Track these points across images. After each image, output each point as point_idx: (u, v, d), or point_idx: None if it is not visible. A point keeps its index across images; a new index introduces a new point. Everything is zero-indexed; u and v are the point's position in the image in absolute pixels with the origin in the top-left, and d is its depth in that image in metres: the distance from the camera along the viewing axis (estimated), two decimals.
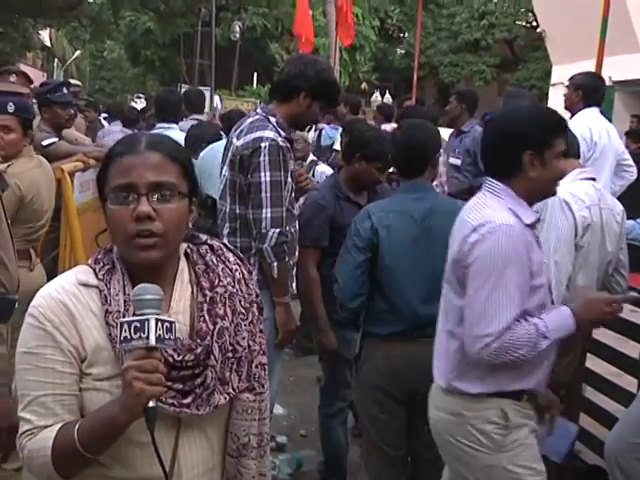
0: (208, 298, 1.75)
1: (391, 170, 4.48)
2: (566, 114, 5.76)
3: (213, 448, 1.80)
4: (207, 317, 1.73)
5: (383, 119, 9.10)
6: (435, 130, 3.72)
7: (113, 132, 8.62)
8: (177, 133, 5.76)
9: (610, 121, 5.76)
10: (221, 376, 1.72)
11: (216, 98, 23.25)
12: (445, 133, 6.36)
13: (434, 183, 4.42)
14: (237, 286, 1.81)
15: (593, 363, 4.13)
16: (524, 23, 26.66)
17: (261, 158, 3.43)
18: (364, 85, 32.58)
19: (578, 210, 3.45)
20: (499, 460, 2.63)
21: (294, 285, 3.78)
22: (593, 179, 3.70)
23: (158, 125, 6.23)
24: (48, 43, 41.12)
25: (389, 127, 7.78)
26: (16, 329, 3.28)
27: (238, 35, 30.12)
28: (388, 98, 26.75)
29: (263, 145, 3.43)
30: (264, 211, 3.44)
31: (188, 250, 1.81)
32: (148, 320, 1.54)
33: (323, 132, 9.39)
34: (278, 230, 3.46)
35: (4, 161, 3.88)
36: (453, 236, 2.69)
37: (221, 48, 29.84)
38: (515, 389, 2.63)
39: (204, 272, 1.79)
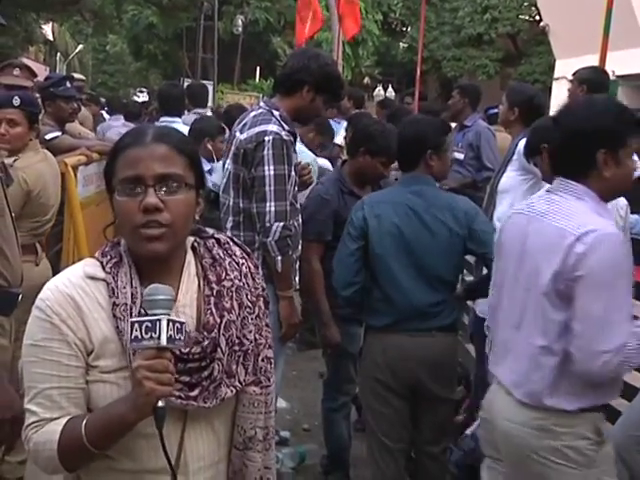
0: (215, 291, 1.76)
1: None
2: None
3: (219, 441, 1.80)
4: (214, 310, 1.73)
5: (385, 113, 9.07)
6: (433, 124, 3.64)
7: (114, 126, 8.61)
8: (181, 127, 5.75)
9: None
10: (228, 369, 1.72)
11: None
12: None
13: None
14: (244, 280, 1.81)
15: None
16: (527, 17, 26.61)
17: (265, 152, 3.43)
18: (367, 79, 32.54)
19: None
20: (587, 476, 2.52)
21: (297, 279, 3.78)
22: None
23: (162, 119, 6.23)
24: (51, 37, 41.12)
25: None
26: (22, 323, 3.30)
27: (241, 29, 30.06)
28: (391, 92, 26.75)
29: (267, 139, 3.43)
30: (268, 205, 3.44)
31: (195, 244, 1.81)
32: (160, 320, 1.55)
33: None
34: (282, 224, 3.46)
35: (10, 155, 3.88)
36: (544, 245, 2.49)
37: (223, 42, 29.81)
38: (605, 402, 2.57)
39: (211, 265, 1.79)
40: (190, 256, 1.80)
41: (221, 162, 5.11)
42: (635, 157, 6.00)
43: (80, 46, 44.49)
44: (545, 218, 2.53)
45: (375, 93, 27.16)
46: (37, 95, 5.67)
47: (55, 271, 4.10)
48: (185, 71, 32.16)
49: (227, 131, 5.17)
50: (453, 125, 7.01)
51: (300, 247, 3.77)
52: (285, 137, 3.48)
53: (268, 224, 3.46)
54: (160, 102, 6.79)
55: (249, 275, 1.84)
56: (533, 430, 2.52)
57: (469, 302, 4.50)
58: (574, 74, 5.64)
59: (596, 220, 2.43)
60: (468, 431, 3.14)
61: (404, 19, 31.85)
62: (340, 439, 4.36)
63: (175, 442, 1.71)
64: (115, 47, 44.65)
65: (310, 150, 5.42)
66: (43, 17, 29.41)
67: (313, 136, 5.35)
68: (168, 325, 1.55)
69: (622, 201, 3.66)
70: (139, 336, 1.55)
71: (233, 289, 1.78)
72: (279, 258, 3.49)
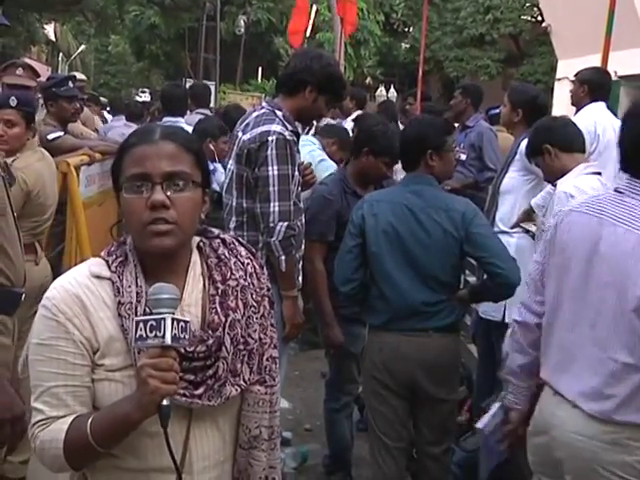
0: (220, 291, 1.77)
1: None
2: (573, 109, 5.76)
3: (224, 440, 1.81)
4: (219, 309, 1.74)
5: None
6: (434, 124, 3.63)
7: (116, 126, 8.61)
8: (184, 127, 5.76)
9: (616, 116, 5.74)
10: (232, 368, 1.73)
11: None
12: None
13: None
14: (249, 279, 1.82)
15: None
16: (529, 18, 26.55)
17: (268, 152, 3.43)
18: (369, 80, 32.51)
19: None
20: None
21: (300, 279, 3.79)
22: (599, 173, 3.70)
23: (164, 119, 6.25)
24: (53, 37, 41.11)
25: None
26: (23, 322, 3.31)
27: (243, 29, 30.06)
28: (393, 93, 26.73)
29: (270, 139, 3.44)
30: (272, 205, 3.45)
31: (201, 243, 1.83)
32: (164, 319, 1.56)
33: None
34: (286, 224, 3.46)
35: (8, 155, 3.88)
36: (626, 256, 2.34)
37: (226, 42, 29.82)
38: None
39: (216, 265, 1.80)
40: (196, 256, 1.81)
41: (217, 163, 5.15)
42: None
43: (82, 46, 44.47)
44: (621, 223, 2.38)
45: (377, 93, 27.13)
46: (39, 95, 5.69)
47: (57, 271, 4.11)
48: (187, 71, 32.16)
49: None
50: (455, 125, 7.03)
51: (303, 247, 3.77)
52: (288, 137, 3.49)
53: (272, 224, 3.46)
54: (163, 102, 6.81)
55: (254, 275, 1.84)
56: (605, 444, 2.41)
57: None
58: (576, 75, 5.65)
59: None
60: (480, 424, 3.06)
61: (406, 20, 31.78)
62: (342, 439, 4.36)
63: (180, 441, 1.72)
64: (117, 47, 44.64)
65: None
66: (45, 17, 29.41)
67: (335, 150, 5.36)
68: (173, 324, 1.56)
69: None
70: (144, 335, 1.56)
71: (238, 288, 1.79)
72: (283, 258, 3.50)
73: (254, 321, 1.80)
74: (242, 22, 29.95)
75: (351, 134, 6.19)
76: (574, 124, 3.94)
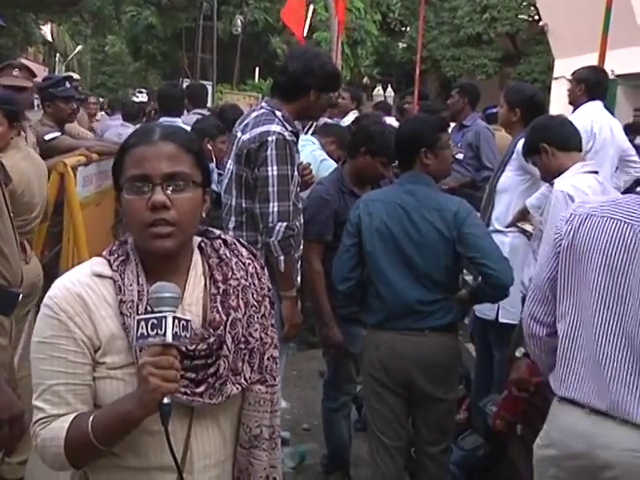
0: (221, 290, 1.78)
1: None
2: (570, 108, 5.76)
3: (225, 439, 1.82)
4: (220, 308, 1.76)
5: (382, 114, 9.07)
6: (428, 122, 3.61)
7: (113, 126, 8.60)
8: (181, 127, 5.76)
9: (613, 115, 5.75)
10: (233, 366, 1.74)
11: None
12: None
13: None
14: (250, 280, 1.83)
15: None
16: (526, 17, 26.56)
17: (268, 152, 3.43)
18: (366, 79, 32.53)
19: None
20: None
21: (298, 279, 3.79)
22: (596, 172, 3.70)
23: (161, 119, 6.24)
24: (50, 38, 41.13)
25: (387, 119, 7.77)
26: (17, 322, 3.31)
27: (240, 29, 30.06)
28: (390, 92, 26.72)
29: (270, 139, 3.44)
30: (271, 205, 3.45)
31: (202, 244, 1.84)
32: (165, 317, 1.57)
33: None
34: (285, 224, 3.47)
35: None
36: None
37: (223, 42, 29.82)
38: None
39: (217, 265, 1.81)
40: (197, 256, 1.82)
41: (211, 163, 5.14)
42: (636, 158, 5.97)
43: (79, 47, 44.48)
44: None
45: (374, 93, 27.13)
46: (36, 96, 5.68)
47: (55, 271, 4.10)
48: (184, 71, 32.15)
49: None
50: (453, 125, 7.04)
51: (301, 247, 3.77)
52: (288, 137, 3.49)
53: (271, 224, 3.46)
54: (160, 102, 6.81)
55: (255, 275, 1.86)
56: None
57: None
58: (573, 73, 5.65)
59: None
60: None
61: (403, 19, 31.78)
62: (340, 439, 4.36)
63: (181, 439, 1.73)
64: (114, 48, 44.64)
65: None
66: (42, 18, 29.43)
67: (334, 149, 5.37)
68: (174, 322, 1.57)
69: None
70: (145, 333, 1.57)
71: (239, 288, 1.80)
72: (282, 258, 3.50)
73: (255, 320, 1.80)
74: (239, 22, 29.96)
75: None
76: (571, 123, 3.94)
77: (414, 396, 3.52)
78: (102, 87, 43.72)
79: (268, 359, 1.84)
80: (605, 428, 2.35)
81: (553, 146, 3.73)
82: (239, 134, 3.58)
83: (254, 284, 1.84)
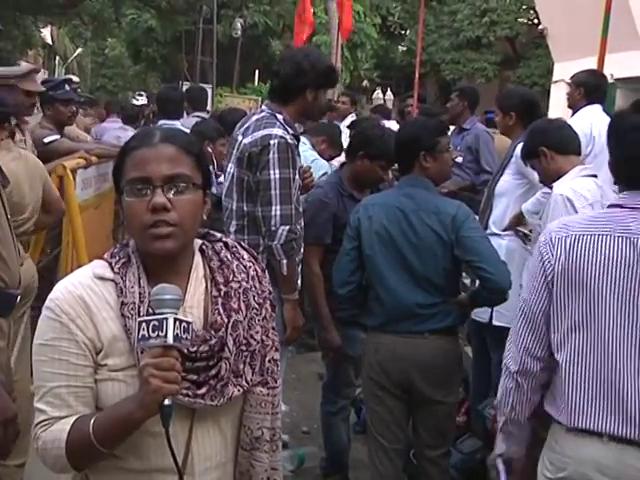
0: (222, 292, 1.79)
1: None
2: (569, 112, 5.77)
3: (226, 441, 1.82)
4: (221, 310, 1.76)
5: (380, 117, 9.07)
6: (426, 125, 3.61)
7: (111, 129, 8.60)
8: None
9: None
10: (235, 368, 1.75)
11: None
12: None
13: None
14: (251, 282, 1.84)
15: None
16: (526, 20, 26.60)
17: (270, 155, 3.44)
18: (365, 83, 32.53)
19: (580, 207, 3.45)
20: None
21: (299, 282, 3.79)
22: (595, 176, 3.71)
23: (161, 122, 6.25)
24: (49, 41, 41.13)
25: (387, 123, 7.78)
26: (13, 324, 3.30)
27: (239, 32, 30.04)
28: (390, 95, 26.72)
29: (272, 142, 3.44)
30: (273, 208, 3.46)
31: (203, 246, 1.84)
32: (166, 319, 1.57)
33: None
34: (287, 227, 3.47)
35: None
36: None
37: (222, 45, 29.80)
38: None
39: (219, 268, 1.82)
40: (198, 258, 1.83)
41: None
42: None
43: (79, 50, 44.47)
44: None
45: (374, 96, 27.13)
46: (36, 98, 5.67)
47: (52, 274, 4.10)
48: (184, 74, 32.12)
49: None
50: (452, 128, 7.04)
51: (302, 250, 3.77)
52: (290, 141, 3.50)
53: (274, 228, 3.46)
54: (159, 105, 6.82)
55: (256, 278, 1.86)
56: None
57: None
58: (572, 77, 5.66)
59: None
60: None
61: (403, 22, 31.82)
62: (339, 442, 4.36)
63: (183, 441, 1.73)
64: (114, 51, 44.61)
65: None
66: (42, 21, 29.40)
67: (325, 148, 5.38)
68: (175, 324, 1.57)
69: None
70: (146, 335, 1.58)
71: (240, 290, 1.81)
72: (284, 261, 3.50)
73: (256, 323, 1.81)
74: (239, 25, 29.94)
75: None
76: (569, 126, 3.95)
77: (414, 399, 3.53)
78: (102, 90, 43.68)
79: (269, 361, 1.85)
80: (630, 457, 2.20)
81: (552, 150, 3.73)
82: (240, 137, 3.58)
83: (255, 287, 1.85)
